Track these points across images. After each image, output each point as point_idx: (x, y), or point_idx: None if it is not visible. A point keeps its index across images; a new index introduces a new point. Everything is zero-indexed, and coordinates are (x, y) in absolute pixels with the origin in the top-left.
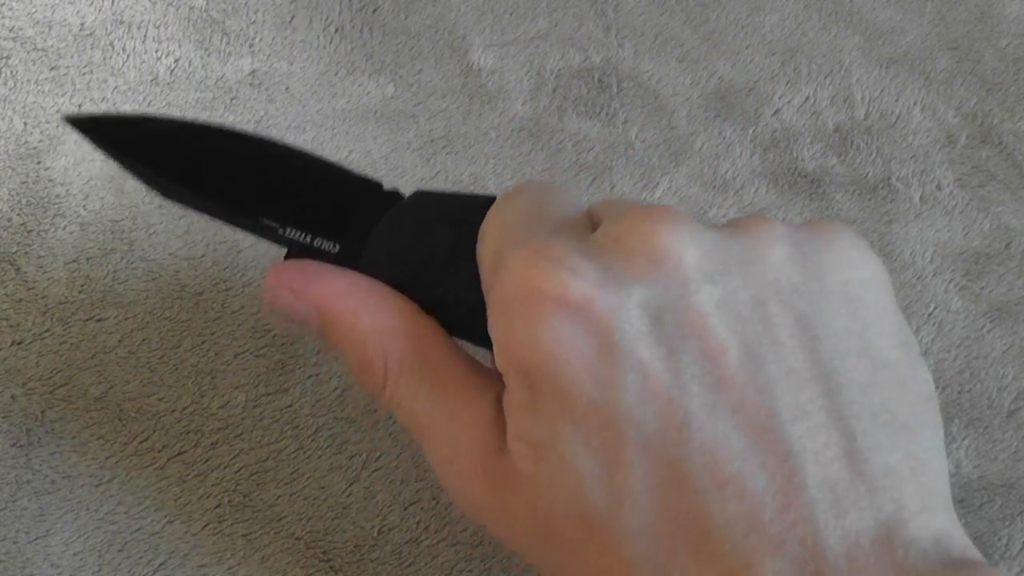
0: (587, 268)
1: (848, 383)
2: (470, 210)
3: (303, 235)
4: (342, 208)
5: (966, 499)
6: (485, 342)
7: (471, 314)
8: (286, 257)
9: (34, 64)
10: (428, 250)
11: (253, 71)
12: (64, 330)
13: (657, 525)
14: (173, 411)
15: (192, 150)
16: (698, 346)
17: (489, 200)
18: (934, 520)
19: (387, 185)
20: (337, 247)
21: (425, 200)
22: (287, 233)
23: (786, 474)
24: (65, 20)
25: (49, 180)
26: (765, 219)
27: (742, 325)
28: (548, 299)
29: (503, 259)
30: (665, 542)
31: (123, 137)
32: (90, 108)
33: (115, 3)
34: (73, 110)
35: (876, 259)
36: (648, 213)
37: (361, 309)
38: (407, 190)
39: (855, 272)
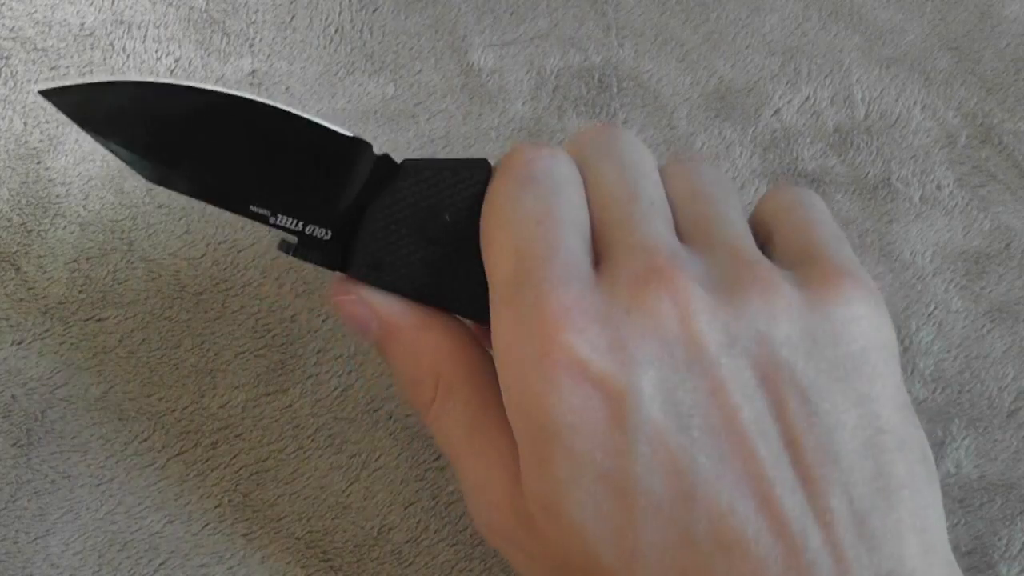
0: (605, 342)
1: (848, 451)
2: (461, 188)
3: (294, 222)
4: (333, 185)
5: (966, 499)
6: (470, 315)
7: (462, 293)
8: (281, 241)
9: (34, 64)
10: (422, 239)
11: (253, 71)
12: (64, 330)
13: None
14: (173, 411)
15: (176, 130)
16: (707, 420)
17: (478, 168)
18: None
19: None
20: (329, 234)
21: (414, 175)
22: (278, 221)
23: (789, 538)
24: (65, 20)
25: (49, 180)
26: (770, 282)
27: (748, 400)
28: (565, 367)
29: (521, 295)
30: None
31: (101, 114)
32: None
33: (115, 3)
34: None
35: (884, 320)
36: (657, 279)
37: (424, 325)
38: None
39: (860, 342)
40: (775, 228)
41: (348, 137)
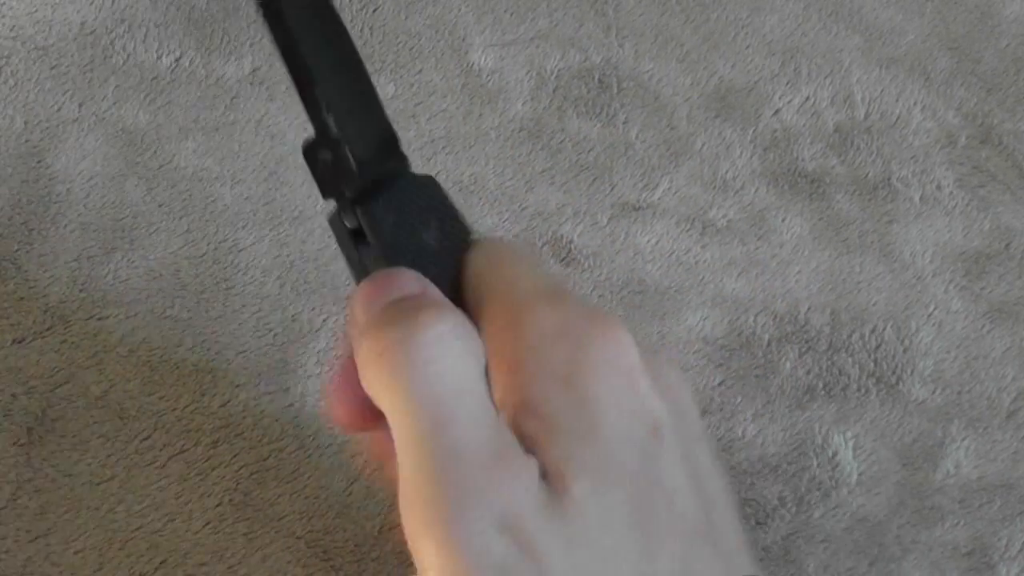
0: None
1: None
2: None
3: (328, 154)
4: (368, 153)
5: (966, 499)
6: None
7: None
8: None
9: (35, 63)
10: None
11: (254, 70)
12: (65, 329)
13: None
14: (174, 410)
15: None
16: None
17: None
18: None
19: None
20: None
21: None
22: (317, 145)
23: None
24: (66, 19)
25: (50, 179)
26: None
27: None
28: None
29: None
30: None
31: None
32: (91, 107)
33: (115, 2)
34: (74, 109)
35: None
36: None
37: None
38: None
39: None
40: None
41: (393, 134)
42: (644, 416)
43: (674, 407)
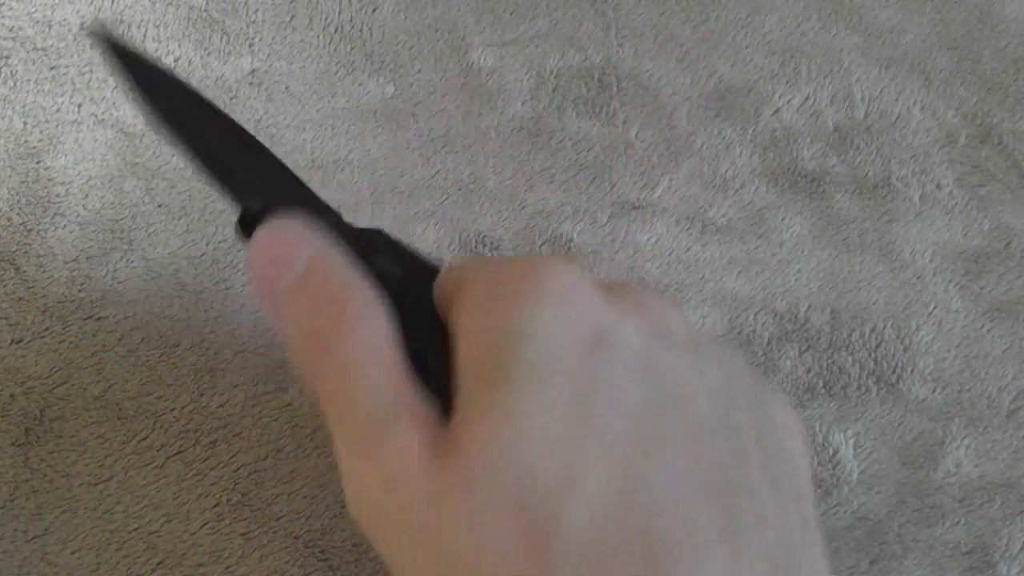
0: (591, 285)
1: None
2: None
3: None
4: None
5: (966, 498)
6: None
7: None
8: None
9: (34, 64)
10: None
11: (253, 70)
12: (63, 329)
13: (605, 523)
14: (172, 410)
15: (199, 116)
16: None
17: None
18: None
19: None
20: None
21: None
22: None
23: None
24: (65, 19)
25: (49, 179)
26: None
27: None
28: (550, 289)
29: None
30: (610, 542)
31: (137, 70)
32: (90, 108)
33: (115, 3)
34: (73, 109)
35: None
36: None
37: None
38: (406, 189)
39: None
40: None
41: (325, 205)
42: (581, 332)
43: (640, 320)
